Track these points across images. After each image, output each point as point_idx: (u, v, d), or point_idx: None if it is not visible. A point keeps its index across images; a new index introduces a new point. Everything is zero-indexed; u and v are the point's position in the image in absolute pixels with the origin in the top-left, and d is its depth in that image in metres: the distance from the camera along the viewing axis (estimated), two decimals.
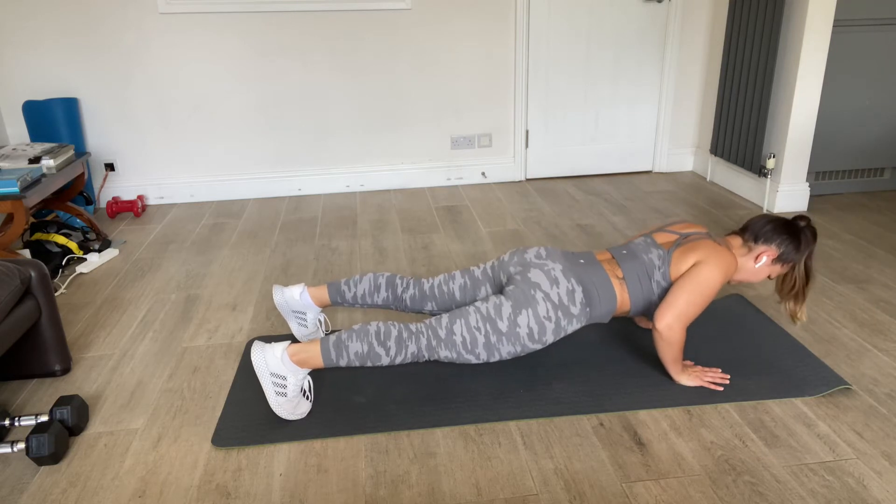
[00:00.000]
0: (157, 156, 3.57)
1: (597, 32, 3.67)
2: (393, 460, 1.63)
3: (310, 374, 1.96)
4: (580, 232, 3.09)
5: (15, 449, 1.64)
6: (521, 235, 3.06)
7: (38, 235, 2.86)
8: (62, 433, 1.65)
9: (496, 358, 1.82)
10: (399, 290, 2.04)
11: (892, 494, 1.49)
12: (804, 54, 3.04)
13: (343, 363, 1.77)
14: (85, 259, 2.86)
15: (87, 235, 3.03)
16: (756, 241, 1.90)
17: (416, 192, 3.75)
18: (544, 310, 1.78)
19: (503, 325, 1.78)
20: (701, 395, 1.83)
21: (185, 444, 1.70)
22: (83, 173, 3.07)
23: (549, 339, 1.82)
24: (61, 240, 2.85)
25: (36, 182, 2.61)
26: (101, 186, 3.56)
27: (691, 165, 4.04)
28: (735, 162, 3.52)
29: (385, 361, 1.78)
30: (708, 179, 3.85)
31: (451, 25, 3.56)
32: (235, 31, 3.40)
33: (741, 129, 3.45)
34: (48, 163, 2.73)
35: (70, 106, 3.29)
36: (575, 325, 1.84)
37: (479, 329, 1.78)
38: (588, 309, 1.84)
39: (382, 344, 1.77)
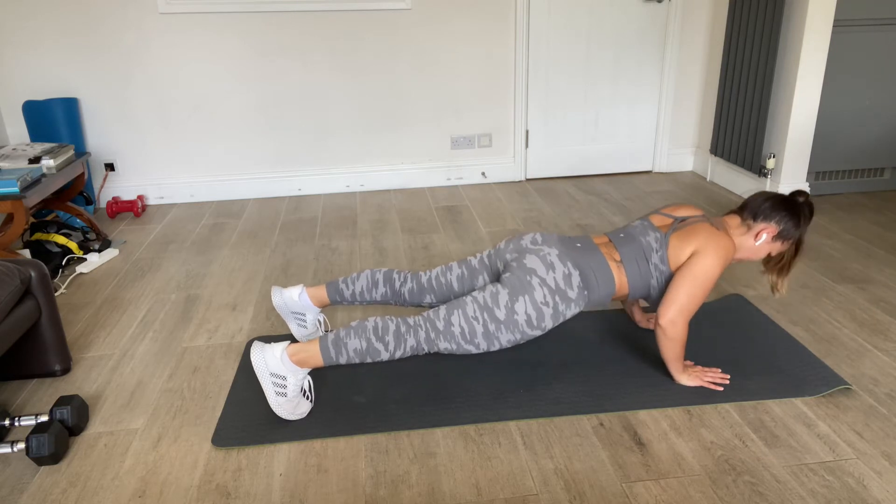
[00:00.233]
0: (157, 156, 3.57)
1: (597, 32, 3.67)
2: (393, 460, 1.63)
3: (310, 373, 1.96)
4: (580, 232, 3.09)
5: (15, 449, 1.64)
6: None
7: (38, 235, 2.86)
8: (62, 433, 1.65)
9: (496, 347, 1.81)
10: (397, 284, 2.03)
11: (892, 494, 1.49)
12: (804, 54, 3.04)
13: (343, 361, 1.76)
14: (85, 259, 2.86)
15: (87, 235, 3.03)
16: (755, 218, 1.88)
17: (416, 192, 3.75)
18: (541, 295, 1.77)
19: (501, 314, 1.77)
20: (701, 395, 1.83)
21: (185, 444, 1.70)
22: (83, 173, 3.07)
23: (548, 324, 1.81)
24: (61, 240, 2.85)
25: (36, 182, 2.61)
26: (101, 186, 3.56)
27: (691, 165, 4.04)
28: (735, 162, 3.52)
29: (385, 356, 1.78)
30: (708, 179, 3.85)
31: (451, 25, 3.56)
32: (235, 31, 3.40)
33: (741, 128, 3.45)
34: (48, 163, 2.73)
35: (70, 106, 3.29)
36: (573, 310, 1.83)
37: (476, 319, 1.77)
38: (586, 293, 1.83)
39: (381, 339, 1.76)
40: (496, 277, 1.95)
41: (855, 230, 3.01)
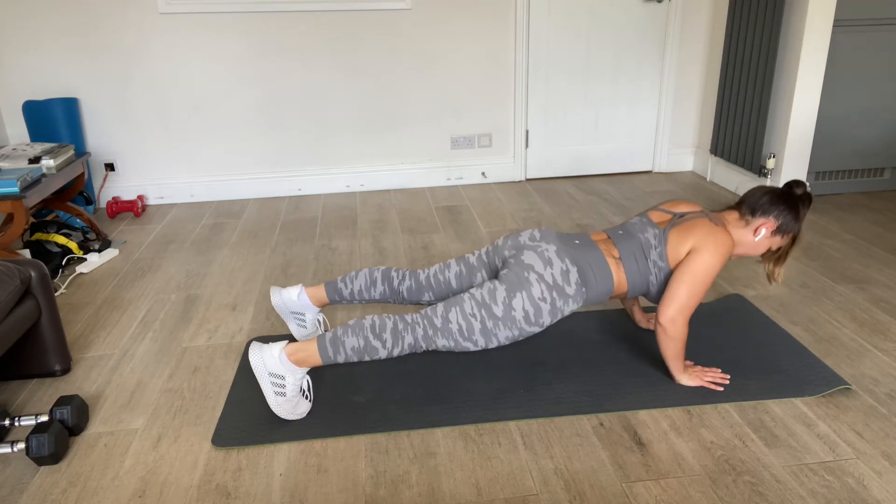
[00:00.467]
0: (157, 156, 3.57)
1: (597, 32, 3.67)
2: (393, 460, 1.63)
3: (309, 373, 1.96)
4: (580, 232, 3.09)
5: (15, 449, 1.64)
6: None
7: (38, 235, 2.86)
8: (62, 433, 1.65)
9: (494, 344, 1.81)
10: (395, 282, 2.03)
11: (892, 494, 1.49)
12: (804, 54, 3.04)
13: (341, 359, 1.76)
14: (85, 259, 2.86)
15: (87, 235, 3.03)
16: (753, 213, 1.86)
17: (416, 192, 3.75)
18: (538, 291, 1.77)
19: (498, 310, 1.77)
20: (701, 395, 1.83)
21: (185, 444, 1.70)
22: (83, 173, 3.07)
23: (546, 321, 1.80)
24: (61, 240, 2.85)
25: (36, 182, 2.61)
26: (101, 186, 3.56)
27: (691, 165, 4.04)
28: (735, 162, 3.52)
29: (383, 354, 1.78)
30: (708, 179, 3.85)
31: (451, 25, 3.56)
32: (235, 31, 3.40)
33: (741, 128, 3.45)
34: (48, 163, 2.73)
35: (70, 106, 3.29)
36: (571, 306, 1.82)
37: (474, 315, 1.77)
38: (584, 289, 1.82)
39: (378, 337, 1.76)
40: (494, 274, 1.95)
41: (855, 230, 3.01)
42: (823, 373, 1.91)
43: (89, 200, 3.28)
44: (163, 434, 1.74)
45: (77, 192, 3.07)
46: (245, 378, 1.97)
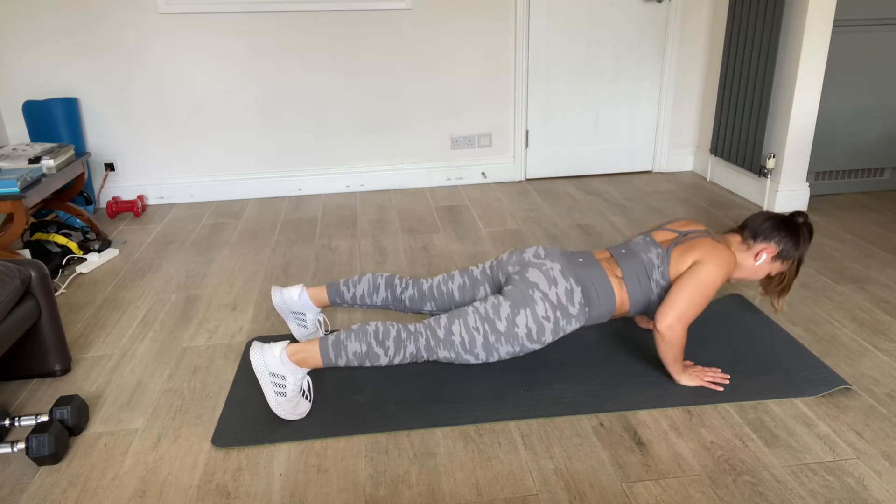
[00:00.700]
0: (157, 156, 3.57)
1: (597, 32, 3.67)
2: (393, 460, 1.63)
3: (309, 374, 1.96)
4: (580, 232, 3.09)
5: (15, 449, 1.64)
6: (521, 235, 3.07)
7: (38, 235, 2.86)
8: (62, 433, 1.65)
9: (495, 358, 1.82)
10: (398, 290, 2.04)
11: (892, 494, 1.49)
12: (804, 54, 3.04)
13: (342, 363, 1.77)
14: (85, 259, 2.86)
15: (87, 235, 3.03)
16: (755, 238, 1.89)
17: (416, 192, 3.75)
18: (542, 310, 1.78)
19: (502, 326, 1.78)
20: (701, 395, 1.83)
21: (185, 444, 1.70)
22: (83, 173, 3.07)
23: (548, 339, 1.82)
24: (61, 240, 2.85)
25: (36, 182, 2.61)
26: (101, 186, 3.56)
27: (691, 165, 4.04)
28: (735, 162, 3.52)
29: (384, 361, 1.78)
30: (708, 179, 3.85)
31: (451, 25, 3.56)
32: (235, 31, 3.40)
33: (741, 129, 3.45)
34: (48, 163, 2.73)
35: (70, 106, 3.29)
36: (574, 325, 1.84)
37: (477, 329, 1.78)
38: (587, 309, 1.83)
39: (381, 344, 1.77)
40: (497, 289, 1.96)
41: (855, 230, 3.01)
42: (823, 373, 1.91)
43: (89, 200, 3.28)
44: (163, 434, 1.74)
45: (77, 192, 3.07)
46: (245, 378, 1.97)
